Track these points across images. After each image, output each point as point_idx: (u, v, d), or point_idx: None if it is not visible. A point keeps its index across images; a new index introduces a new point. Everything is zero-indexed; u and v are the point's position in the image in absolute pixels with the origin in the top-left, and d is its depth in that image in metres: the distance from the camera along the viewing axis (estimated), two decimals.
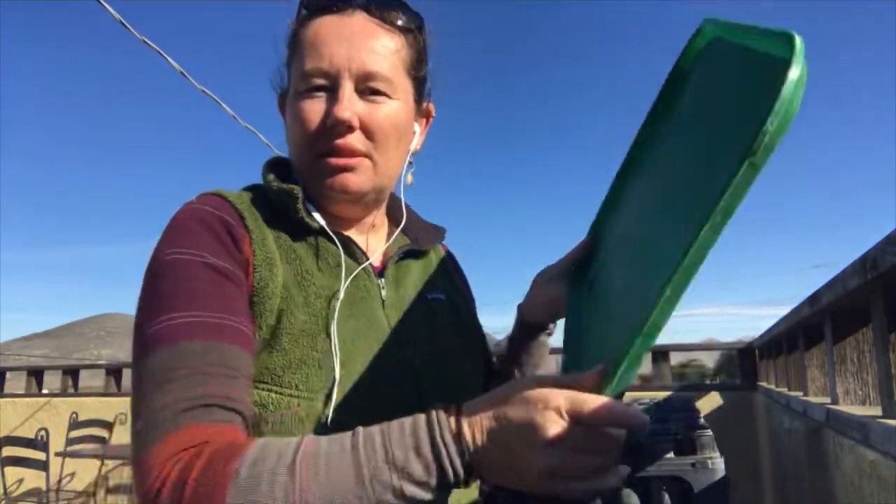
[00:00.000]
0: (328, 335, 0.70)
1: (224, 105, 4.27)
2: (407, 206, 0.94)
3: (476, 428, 0.53)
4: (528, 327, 0.94)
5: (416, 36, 0.82)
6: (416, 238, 0.91)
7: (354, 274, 0.77)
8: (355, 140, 0.75)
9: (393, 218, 0.92)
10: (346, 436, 0.55)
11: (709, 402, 4.02)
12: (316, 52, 0.75)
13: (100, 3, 3.15)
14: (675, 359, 4.87)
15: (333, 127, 0.74)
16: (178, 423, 0.56)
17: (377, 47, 0.76)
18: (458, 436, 0.53)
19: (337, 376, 0.68)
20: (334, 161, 0.75)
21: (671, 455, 1.74)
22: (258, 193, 0.80)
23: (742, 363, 4.26)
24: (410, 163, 0.87)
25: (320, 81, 0.75)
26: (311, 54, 0.75)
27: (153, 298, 0.64)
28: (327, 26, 0.77)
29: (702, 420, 2.49)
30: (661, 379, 4.33)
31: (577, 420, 0.50)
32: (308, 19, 0.79)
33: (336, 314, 0.72)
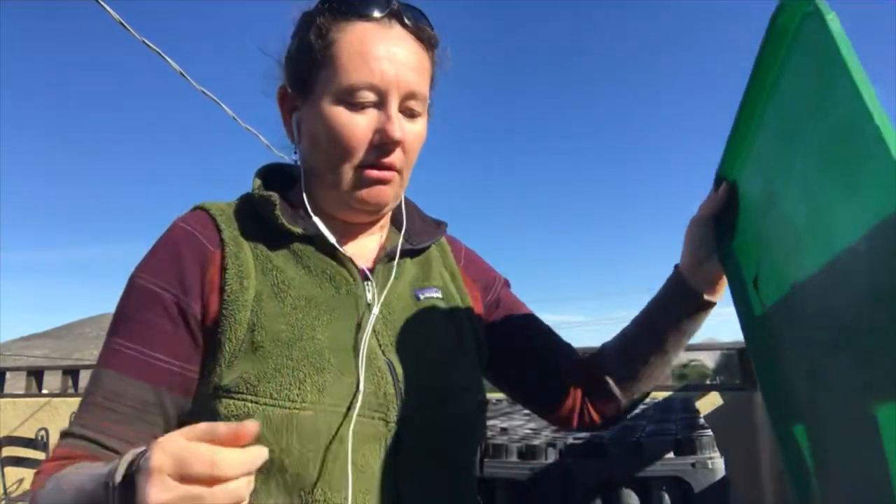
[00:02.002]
0: (305, 344, 0.71)
1: (224, 105, 4.28)
2: (408, 204, 0.93)
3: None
4: (687, 294, 0.85)
5: (436, 51, 0.84)
6: (411, 235, 0.89)
7: (338, 278, 0.78)
8: (396, 157, 0.77)
9: (393, 218, 0.92)
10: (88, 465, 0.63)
11: (709, 402, 4.02)
12: (365, 66, 0.74)
13: (99, 3, 3.15)
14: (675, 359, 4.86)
15: (384, 144, 0.75)
16: (61, 443, 0.69)
17: (420, 68, 0.78)
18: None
19: (328, 384, 0.69)
20: (376, 174, 0.77)
21: (671, 455, 1.74)
22: (246, 203, 0.81)
23: (742, 363, 4.26)
24: None
25: (369, 96, 0.75)
26: (360, 67, 0.74)
27: (115, 315, 0.74)
28: (372, 38, 0.75)
29: (702, 420, 2.50)
30: None
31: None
32: (343, 21, 0.76)
33: (306, 322, 0.73)
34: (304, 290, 0.75)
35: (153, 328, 0.71)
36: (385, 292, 0.81)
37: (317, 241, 0.79)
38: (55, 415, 5.29)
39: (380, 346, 0.76)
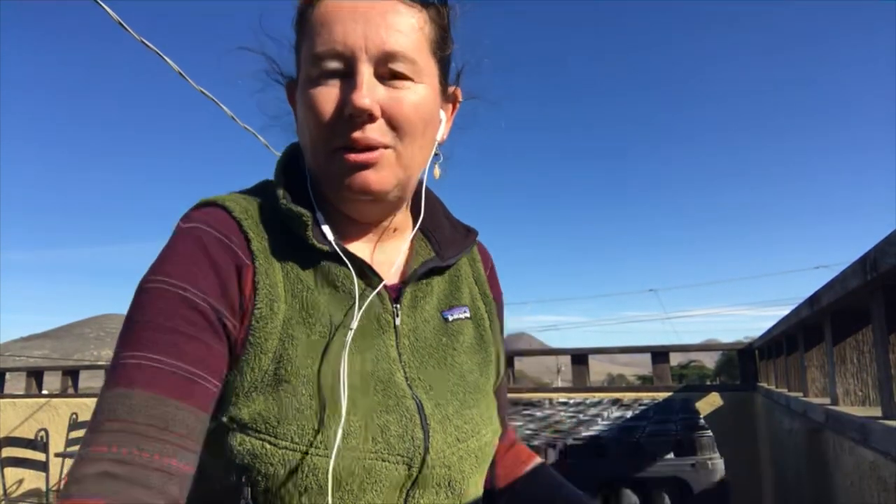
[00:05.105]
0: (331, 381, 0.64)
1: (223, 105, 4.27)
2: (435, 204, 0.83)
3: None
4: None
5: (439, 10, 0.73)
6: (441, 247, 0.79)
7: (367, 303, 0.68)
8: (376, 131, 0.66)
9: (416, 218, 0.81)
10: None
11: (709, 403, 4.02)
12: (327, 32, 0.66)
13: (98, 3, 3.14)
14: (676, 359, 4.88)
15: (351, 117, 0.65)
16: (89, 489, 0.51)
17: (398, 24, 0.67)
18: None
19: (339, 431, 0.61)
20: (353, 157, 0.66)
21: (671, 455, 1.74)
22: (267, 202, 0.70)
23: (742, 364, 4.27)
24: (437, 154, 0.76)
25: (334, 65, 0.66)
26: (322, 35, 0.66)
27: (127, 328, 0.60)
28: (339, 3, 0.67)
29: (702, 421, 2.50)
30: (661, 379, 4.33)
31: None
32: None
33: (334, 353, 0.65)
34: (332, 315, 0.67)
35: (198, 344, 0.59)
36: (415, 315, 0.73)
37: (345, 257, 0.69)
38: (55, 415, 5.28)
39: (406, 379, 0.69)
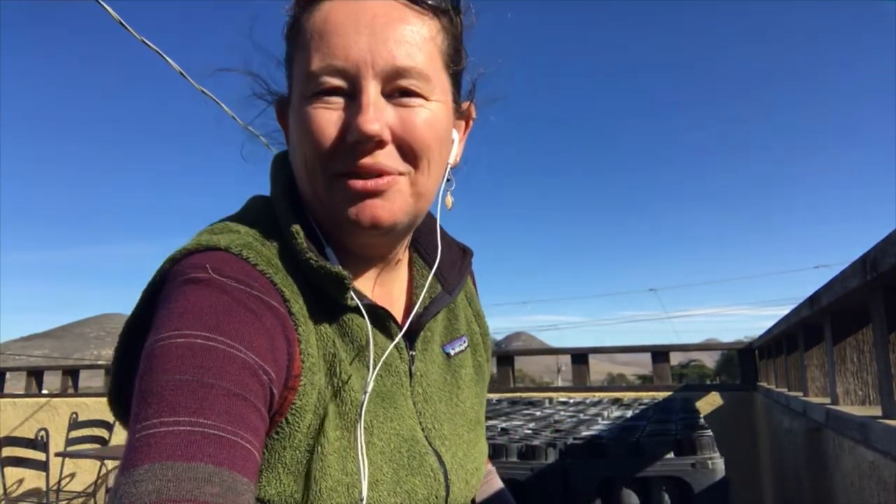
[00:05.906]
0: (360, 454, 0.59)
1: (223, 105, 4.26)
2: (431, 223, 0.76)
3: None
4: None
5: (452, 18, 0.65)
6: (445, 277, 0.73)
7: (382, 359, 0.63)
8: (386, 157, 0.58)
9: (414, 245, 0.76)
10: None
11: (709, 403, 4.02)
12: (326, 46, 0.58)
13: (99, 3, 3.14)
14: (676, 359, 4.88)
15: (357, 144, 0.57)
16: None
17: (408, 35, 0.59)
18: None
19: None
20: (360, 184, 0.58)
21: (671, 455, 1.74)
22: (278, 241, 0.61)
23: (742, 363, 4.27)
24: (449, 180, 0.68)
25: (334, 82, 0.58)
26: (321, 48, 0.58)
27: (154, 392, 0.46)
28: (340, 11, 0.59)
29: (702, 420, 2.50)
30: (661, 379, 4.33)
31: None
32: (312, 3, 0.62)
33: (373, 422, 0.60)
34: (359, 380, 0.60)
35: (253, 413, 0.48)
36: (426, 358, 0.70)
37: (365, 307, 0.62)
38: (55, 415, 5.29)
39: (423, 430, 0.66)
